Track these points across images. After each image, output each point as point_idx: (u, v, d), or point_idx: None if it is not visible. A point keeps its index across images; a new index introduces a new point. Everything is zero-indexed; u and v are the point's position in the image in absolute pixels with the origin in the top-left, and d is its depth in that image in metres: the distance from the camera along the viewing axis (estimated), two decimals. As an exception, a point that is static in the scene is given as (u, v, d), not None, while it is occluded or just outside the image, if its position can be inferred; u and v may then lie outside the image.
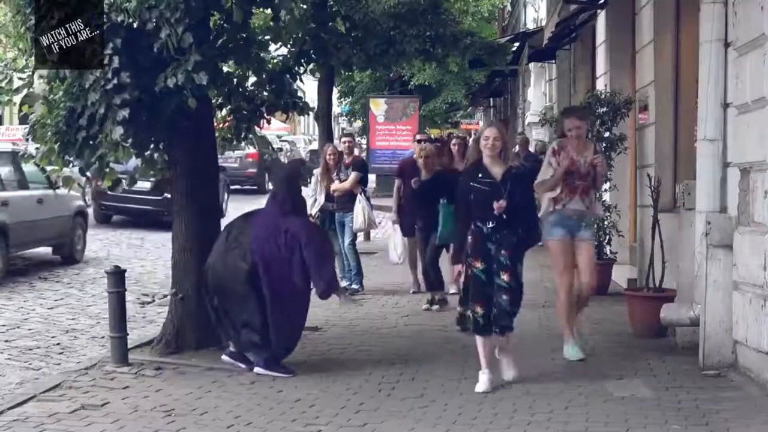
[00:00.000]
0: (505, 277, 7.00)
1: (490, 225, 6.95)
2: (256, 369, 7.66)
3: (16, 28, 8.14)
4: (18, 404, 6.72)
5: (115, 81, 7.49)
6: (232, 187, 23.06)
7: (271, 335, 7.60)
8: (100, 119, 7.68)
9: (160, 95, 7.77)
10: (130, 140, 8.04)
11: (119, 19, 7.45)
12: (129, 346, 8.06)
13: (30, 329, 9.73)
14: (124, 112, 7.49)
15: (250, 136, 9.15)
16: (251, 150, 26.24)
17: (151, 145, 8.54)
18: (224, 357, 7.79)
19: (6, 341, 9.16)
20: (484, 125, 6.92)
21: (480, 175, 7.01)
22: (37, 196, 13.52)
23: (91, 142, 7.97)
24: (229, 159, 24.57)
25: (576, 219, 7.94)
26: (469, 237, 7.04)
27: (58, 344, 9.12)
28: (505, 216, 6.91)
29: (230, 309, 7.73)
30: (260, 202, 9.73)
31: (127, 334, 8.00)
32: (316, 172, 12.41)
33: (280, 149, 34.43)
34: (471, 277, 7.04)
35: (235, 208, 18.01)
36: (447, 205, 10.02)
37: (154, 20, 7.45)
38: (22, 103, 10.88)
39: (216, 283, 7.78)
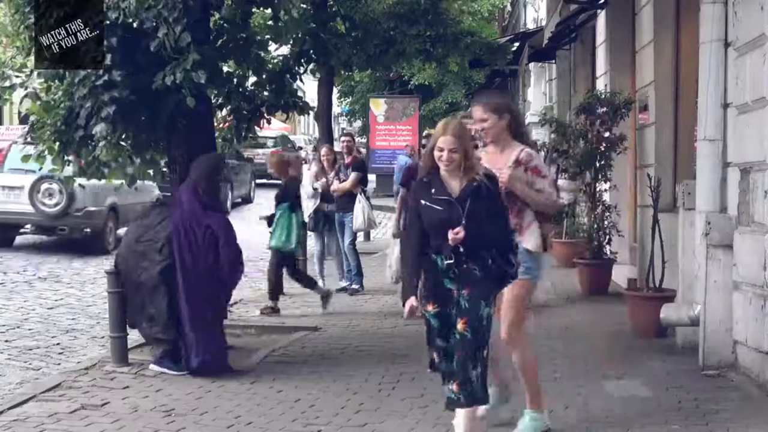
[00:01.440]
0: (459, 325, 5.28)
1: (448, 258, 5.26)
2: (151, 366, 7.67)
3: (15, 26, 8.14)
4: (18, 404, 6.71)
5: (105, 78, 7.51)
6: (259, 180, 26.91)
7: (187, 331, 7.53)
8: (87, 116, 7.71)
9: (159, 94, 7.78)
10: (125, 139, 8.05)
11: (113, 16, 7.46)
12: (129, 346, 8.06)
13: (30, 329, 9.73)
14: (110, 109, 7.50)
15: (251, 135, 9.16)
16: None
17: (151, 145, 8.54)
18: (151, 366, 7.72)
19: (6, 341, 9.16)
20: (439, 129, 5.34)
21: (433, 191, 5.30)
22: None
23: (89, 141, 7.98)
24: (257, 155, 26.25)
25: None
26: (424, 274, 5.39)
27: (58, 344, 9.12)
28: (463, 247, 5.21)
29: (138, 301, 7.71)
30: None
31: (127, 334, 8.00)
32: (309, 172, 12.42)
33: (300, 148, 34.77)
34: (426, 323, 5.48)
35: (260, 195, 24.76)
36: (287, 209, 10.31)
37: (153, 19, 7.46)
38: (21, 103, 10.94)
39: (126, 274, 7.76)
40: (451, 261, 5.26)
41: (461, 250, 5.24)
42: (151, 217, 7.96)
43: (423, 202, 5.35)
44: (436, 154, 5.31)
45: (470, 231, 5.19)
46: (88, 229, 15.12)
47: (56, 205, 14.78)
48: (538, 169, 5.95)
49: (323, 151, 12.27)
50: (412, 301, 5.35)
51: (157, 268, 7.58)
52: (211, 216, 7.66)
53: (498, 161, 5.85)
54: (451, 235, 5.19)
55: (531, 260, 5.85)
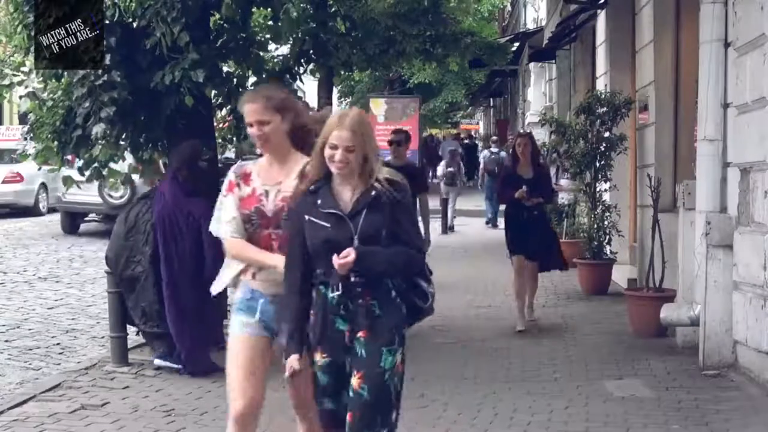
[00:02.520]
0: (354, 381, 4.04)
1: (336, 290, 4.03)
2: (155, 361, 7.67)
3: (13, 25, 8.15)
4: (18, 404, 6.71)
5: (104, 78, 7.51)
6: None
7: (170, 324, 7.50)
8: (85, 115, 7.71)
9: (158, 94, 7.78)
10: (124, 139, 8.05)
11: (109, 13, 7.47)
12: (129, 346, 8.05)
13: (30, 329, 9.72)
14: (109, 110, 7.50)
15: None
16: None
17: (150, 145, 8.54)
18: (156, 361, 7.71)
19: (6, 341, 9.15)
20: (333, 121, 4.13)
21: (320, 202, 4.09)
22: None
23: (88, 141, 7.99)
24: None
25: (268, 302, 4.51)
26: (311, 312, 4.12)
27: (58, 344, 9.11)
28: (356, 276, 4.00)
29: (132, 297, 7.68)
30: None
31: (127, 334, 8.00)
32: None
33: None
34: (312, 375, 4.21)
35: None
36: None
37: (152, 19, 7.46)
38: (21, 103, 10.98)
39: (119, 272, 7.72)
40: (340, 294, 4.02)
41: (353, 279, 4.00)
42: (135, 212, 7.89)
43: (307, 217, 4.09)
44: (327, 152, 4.06)
45: (365, 255, 3.97)
46: None
47: (121, 197, 16.47)
48: None
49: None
50: (293, 360, 4.10)
51: (147, 262, 7.58)
52: (193, 202, 7.51)
53: (276, 176, 4.52)
54: (336, 260, 3.93)
55: None
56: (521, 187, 9.36)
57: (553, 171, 15.48)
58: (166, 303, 7.49)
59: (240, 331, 4.58)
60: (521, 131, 13.67)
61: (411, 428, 6.18)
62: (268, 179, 4.53)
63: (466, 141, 38.97)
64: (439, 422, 6.28)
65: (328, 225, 4.05)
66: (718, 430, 6.03)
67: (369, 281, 4.04)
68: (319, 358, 4.12)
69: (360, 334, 4.05)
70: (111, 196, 16.96)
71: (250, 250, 4.54)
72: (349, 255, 3.94)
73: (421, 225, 9.05)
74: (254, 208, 4.48)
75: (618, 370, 7.59)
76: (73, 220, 18.31)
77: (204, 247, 7.41)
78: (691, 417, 6.26)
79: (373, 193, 4.07)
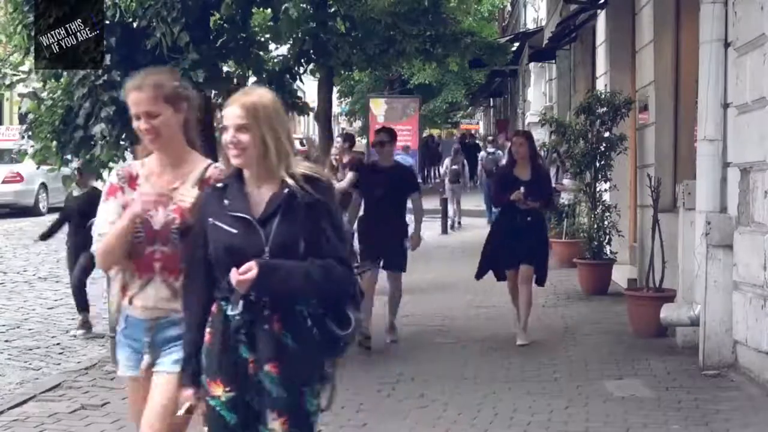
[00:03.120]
0: (276, 425, 3.36)
1: (237, 307, 3.33)
2: None
3: (13, 24, 8.15)
4: (18, 404, 6.71)
5: (105, 78, 7.52)
6: None
7: None
8: (86, 116, 7.71)
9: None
10: (124, 139, 8.05)
11: (109, 14, 7.48)
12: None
13: (30, 329, 9.72)
14: (110, 110, 7.51)
15: None
16: (303, 147, 32.42)
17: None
18: None
19: (6, 341, 9.15)
20: (230, 100, 3.63)
21: (227, 203, 3.42)
22: None
23: (90, 142, 7.99)
24: None
25: (148, 330, 3.80)
26: (207, 330, 3.43)
27: (58, 344, 9.11)
28: (261, 295, 3.29)
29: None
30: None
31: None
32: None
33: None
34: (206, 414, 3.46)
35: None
36: None
37: (152, 19, 7.47)
38: (21, 102, 10.99)
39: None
40: (242, 313, 3.30)
41: (253, 299, 3.29)
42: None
43: (211, 220, 3.41)
44: (224, 138, 3.44)
45: (271, 270, 3.25)
46: None
47: None
48: None
49: (333, 151, 12.28)
50: (187, 394, 3.43)
51: None
52: None
53: (169, 181, 3.80)
54: (234, 275, 3.22)
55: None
56: (518, 189, 8.61)
57: (553, 171, 15.49)
58: None
59: (126, 372, 3.85)
60: (518, 130, 13.17)
61: (411, 428, 6.19)
62: (158, 184, 3.78)
63: (467, 141, 39.02)
64: (439, 422, 6.28)
65: (235, 231, 3.34)
66: (718, 430, 6.03)
67: (278, 302, 3.30)
68: (221, 391, 3.35)
69: (268, 367, 3.31)
70: None
71: (111, 236, 3.73)
72: (250, 270, 3.21)
73: (412, 225, 8.89)
74: (141, 218, 3.70)
75: (618, 370, 7.59)
76: None
77: None
78: (691, 417, 6.26)
79: (287, 191, 3.35)
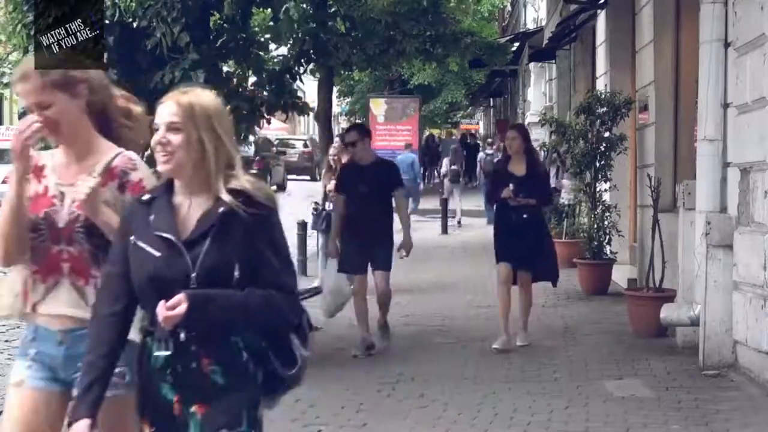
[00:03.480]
0: None
1: (163, 347, 2.92)
2: None
3: (13, 24, 8.16)
4: (18, 404, 6.71)
5: None
6: (290, 175, 32.22)
7: None
8: None
9: (159, 95, 7.78)
10: None
11: (109, 13, 7.48)
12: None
13: (30, 329, 9.72)
14: None
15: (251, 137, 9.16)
16: (307, 147, 34.88)
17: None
18: None
19: (6, 341, 9.15)
20: (166, 101, 3.03)
21: (152, 220, 2.96)
22: None
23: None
24: (291, 153, 34.85)
25: (59, 343, 3.35)
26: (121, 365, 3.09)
27: (57, 344, 9.11)
28: (189, 330, 2.87)
29: None
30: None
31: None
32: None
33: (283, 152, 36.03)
34: None
35: (293, 185, 29.93)
36: None
37: (152, 19, 7.47)
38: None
39: None
40: (168, 353, 2.88)
41: (183, 337, 2.85)
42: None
43: (133, 239, 2.94)
44: (153, 139, 2.96)
45: (203, 302, 2.81)
46: None
47: None
48: (143, 186, 3.31)
49: (331, 151, 12.28)
50: (79, 426, 2.88)
51: None
52: None
53: (74, 174, 3.34)
54: (161, 311, 2.79)
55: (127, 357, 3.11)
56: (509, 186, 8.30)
57: (553, 171, 15.49)
58: None
59: (18, 378, 3.38)
60: (512, 123, 12.58)
61: (411, 428, 6.19)
62: (64, 177, 3.36)
63: (468, 141, 39.06)
64: (439, 422, 6.28)
65: (158, 254, 2.87)
66: (718, 430, 6.03)
67: (207, 336, 2.86)
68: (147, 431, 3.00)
69: (194, 408, 2.90)
70: None
71: (3, 213, 3.28)
72: (179, 305, 2.77)
73: (399, 226, 8.52)
74: (44, 213, 3.30)
75: (618, 370, 7.59)
76: None
77: None
78: (691, 417, 6.26)
79: (222, 209, 2.86)
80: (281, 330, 3.00)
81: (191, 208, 2.93)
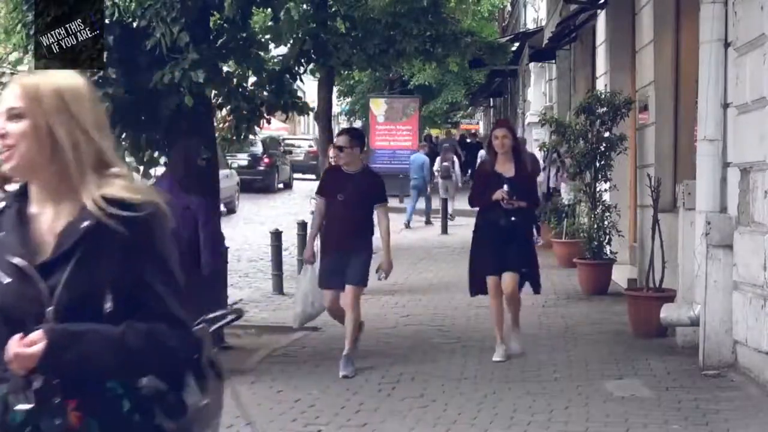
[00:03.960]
0: None
1: (23, 399, 2.23)
2: None
3: (12, 23, 8.16)
4: (18, 404, 6.70)
5: (99, 74, 7.53)
6: (296, 174, 33.87)
7: None
8: None
9: (159, 94, 7.78)
10: (124, 139, 8.05)
11: (108, 13, 7.48)
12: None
13: (30, 329, 9.72)
14: (104, 106, 7.51)
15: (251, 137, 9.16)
16: (312, 147, 35.09)
17: (150, 145, 8.55)
18: None
19: (6, 341, 9.16)
20: (10, 84, 2.26)
21: (4, 234, 2.33)
22: None
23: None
24: (297, 153, 36.64)
25: None
26: None
27: (57, 344, 9.11)
28: (46, 379, 2.21)
29: None
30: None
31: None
32: None
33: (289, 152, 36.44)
34: None
35: (298, 184, 31.68)
36: None
37: (152, 19, 7.47)
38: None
39: None
40: (29, 406, 2.23)
41: (41, 382, 2.23)
42: None
43: None
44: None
45: (66, 341, 2.21)
46: None
47: None
48: None
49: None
50: None
51: None
52: (190, 198, 7.48)
53: None
54: (12, 350, 2.20)
55: None
56: (501, 188, 7.80)
57: (553, 171, 15.49)
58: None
59: None
60: (499, 119, 11.31)
61: (411, 428, 6.18)
62: None
63: (468, 140, 39.09)
64: (439, 422, 6.28)
65: (7, 280, 2.26)
66: (718, 430, 6.03)
67: (76, 384, 2.24)
68: None
69: None
70: None
71: None
72: (35, 342, 2.18)
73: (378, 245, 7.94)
74: None
75: (618, 370, 7.59)
76: None
77: (200, 240, 7.45)
78: (691, 417, 6.26)
79: (87, 223, 2.26)
80: (175, 370, 2.37)
81: (51, 221, 2.30)
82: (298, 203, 25.85)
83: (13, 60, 8.50)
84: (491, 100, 44.94)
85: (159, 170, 9.29)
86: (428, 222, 21.14)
